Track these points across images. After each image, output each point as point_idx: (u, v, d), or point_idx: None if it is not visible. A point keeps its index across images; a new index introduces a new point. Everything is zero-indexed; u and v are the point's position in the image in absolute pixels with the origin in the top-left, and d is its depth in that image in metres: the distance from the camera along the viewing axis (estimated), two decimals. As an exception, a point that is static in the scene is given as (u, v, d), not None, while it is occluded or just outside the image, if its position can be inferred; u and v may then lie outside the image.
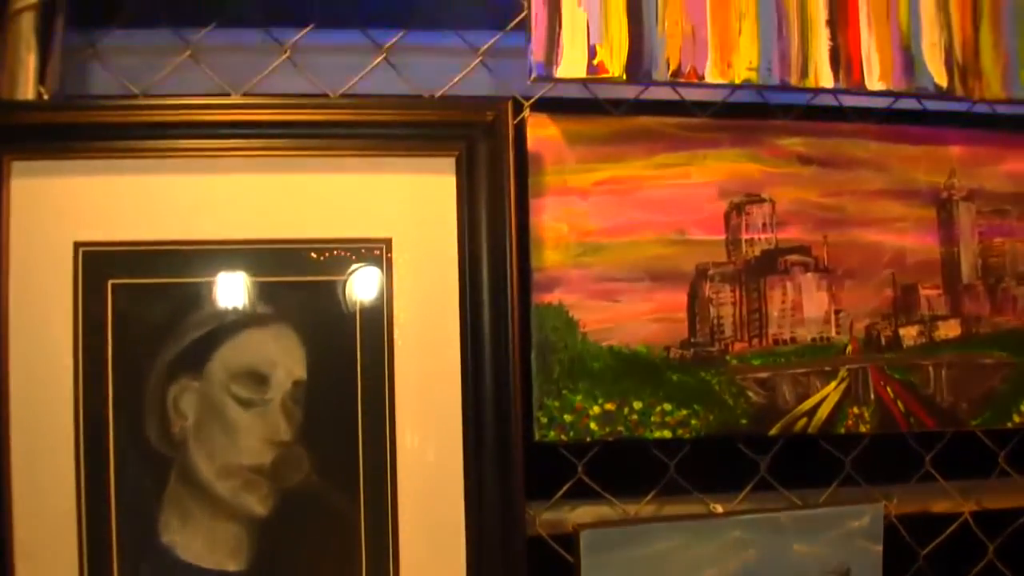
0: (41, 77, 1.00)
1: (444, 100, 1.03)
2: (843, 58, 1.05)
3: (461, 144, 0.98)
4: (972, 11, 1.09)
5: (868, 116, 1.11)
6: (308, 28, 1.03)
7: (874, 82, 1.05)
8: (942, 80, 1.07)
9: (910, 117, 1.11)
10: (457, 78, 1.04)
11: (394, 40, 1.04)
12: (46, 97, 1.00)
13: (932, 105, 1.12)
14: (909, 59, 1.06)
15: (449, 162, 0.99)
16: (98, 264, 0.95)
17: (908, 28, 1.07)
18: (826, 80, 1.04)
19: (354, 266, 0.97)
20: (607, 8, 1.01)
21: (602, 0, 1.01)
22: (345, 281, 0.97)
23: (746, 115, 1.07)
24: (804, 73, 1.04)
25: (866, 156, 1.08)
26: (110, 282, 0.95)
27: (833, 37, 1.05)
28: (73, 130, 0.96)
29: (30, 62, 1.00)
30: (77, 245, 0.95)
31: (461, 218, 0.98)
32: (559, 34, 1.00)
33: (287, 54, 1.02)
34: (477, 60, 1.05)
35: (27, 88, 0.99)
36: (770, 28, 1.03)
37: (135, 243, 0.96)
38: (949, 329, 1.08)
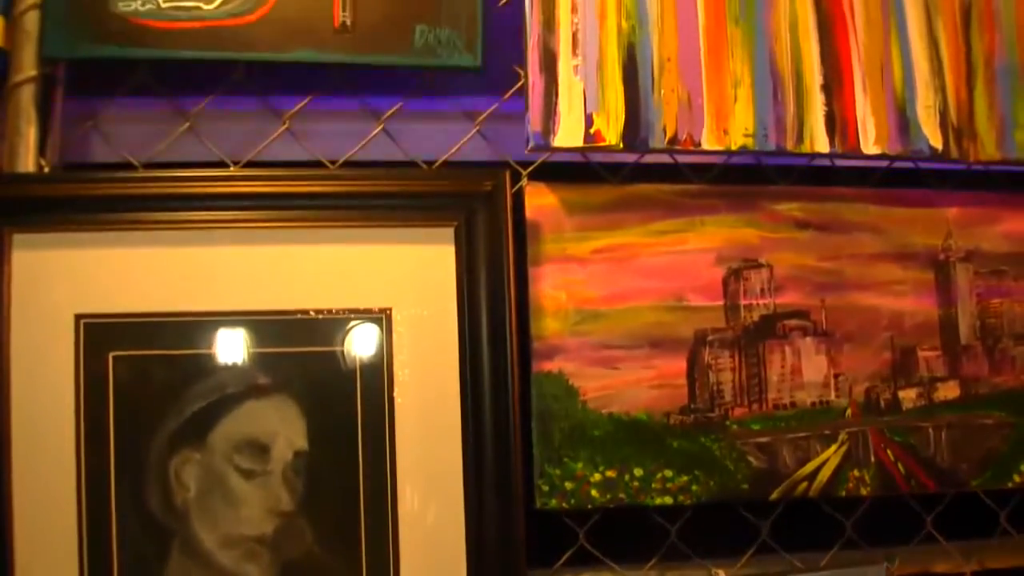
0: (41, 149, 1.02)
1: (442, 171, 1.04)
2: (838, 123, 1.06)
3: (460, 214, 1.00)
4: (966, 73, 1.11)
5: (865, 177, 1.12)
6: (306, 100, 1.05)
7: (869, 146, 1.07)
8: (937, 143, 1.08)
9: (906, 178, 1.13)
10: (455, 148, 1.06)
11: (392, 111, 1.05)
12: (46, 169, 1.01)
13: (928, 164, 1.13)
14: (904, 122, 1.08)
15: (448, 232, 1.00)
16: (99, 336, 0.96)
17: (903, 91, 1.09)
18: (822, 145, 1.06)
19: (354, 336, 0.99)
20: (603, 77, 1.03)
21: (598, 69, 1.03)
22: (345, 351, 0.99)
23: (743, 180, 1.09)
24: (800, 138, 1.05)
25: (863, 220, 1.09)
26: (111, 354, 0.96)
27: (828, 102, 1.06)
28: (73, 203, 0.97)
29: (30, 135, 1.01)
30: (78, 317, 0.96)
31: (460, 288, 0.99)
32: (556, 103, 1.02)
33: (286, 125, 1.04)
34: (474, 130, 1.07)
35: (27, 160, 1.01)
36: (766, 94, 1.05)
37: (136, 315, 0.97)
38: (948, 390, 1.10)
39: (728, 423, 1.05)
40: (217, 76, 1.05)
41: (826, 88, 1.07)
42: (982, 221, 1.13)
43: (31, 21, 1.01)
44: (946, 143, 1.09)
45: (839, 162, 1.12)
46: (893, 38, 1.09)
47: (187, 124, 1.04)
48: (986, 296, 1.12)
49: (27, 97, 1.01)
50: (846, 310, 1.08)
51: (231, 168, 1.02)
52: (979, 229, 1.12)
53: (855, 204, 1.10)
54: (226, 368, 0.97)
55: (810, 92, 1.06)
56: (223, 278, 0.98)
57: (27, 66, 1.01)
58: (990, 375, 1.11)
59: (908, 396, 1.08)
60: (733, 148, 1.04)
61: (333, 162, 1.05)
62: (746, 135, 1.04)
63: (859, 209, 1.10)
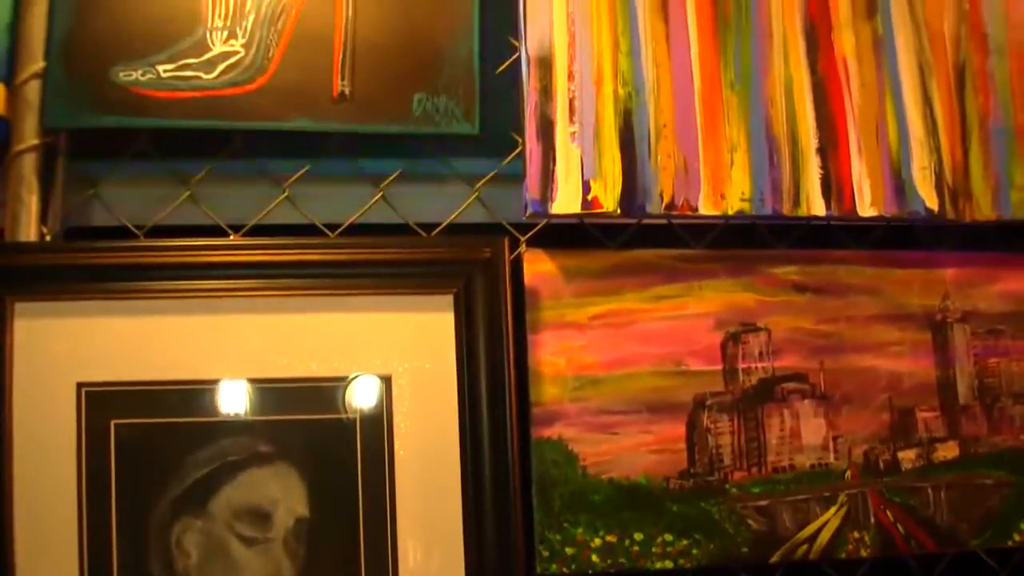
0: (43, 217, 1.04)
1: (441, 238, 1.06)
2: (834, 185, 1.08)
3: (459, 281, 1.02)
4: (961, 134, 1.13)
5: (862, 236, 1.14)
6: (305, 168, 1.07)
7: (866, 208, 1.09)
8: (933, 204, 1.10)
9: (903, 236, 1.15)
10: (453, 216, 1.08)
11: (390, 179, 1.07)
12: (48, 237, 1.03)
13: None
14: (900, 184, 1.10)
15: (447, 299, 1.02)
16: (101, 404, 0.98)
17: (898, 153, 1.11)
18: (818, 208, 1.07)
19: (355, 403, 1.00)
20: (600, 143, 1.05)
21: (595, 135, 1.05)
22: (346, 418, 1.00)
23: (740, 241, 1.11)
24: (796, 202, 1.07)
25: (860, 282, 1.11)
26: (113, 422, 0.98)
27: (824, 165, 1.09)
28: (75, 272, 0.99)
29: (32, 203, 1.03)
30: (80, 385, 0.98)
31: (460, 354, 1.01)
32: (553, 170, 1.04)
33: (286, 193, 1.06)
34: (473, 196, 1.09)
35: (29, 229, 1.03)
36: (762, 158, 1.07)
37: (137, 383, 0.99)
38: (947, 451, 1.11)
39: (728, 487, 1.06)
40: (217, 143, 1.07)
41: (822, 151, 1.09)
42: (979, 281, 1.14)
43: (32, 90, 1.04)
44: (942, 204, 1.10)
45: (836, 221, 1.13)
46: (888, 100, 1.11)
47: (188, 192, 1.06)
48: (984, 356, 1.13)
49: (29, 166, 1.03)
50: (844, 372, 1.09)
51: (231, 237, 1.04)
52: (976, 289, 1.14)
53: (852, 266, 1.11)
54: (228, 435, 0.99)
55: (806, 155, 1.08)
56: (224, 346, 1.00)
57: (28, 135, 1.03)
58: (989, 434, 1.12)
59: (907, 457, 1.10)
60: (730, 213, 1.06)
61: (332, 227, 1.07)
62: (743, 199, 1.06)
63: (856, 271, 1.11)
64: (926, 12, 1.14)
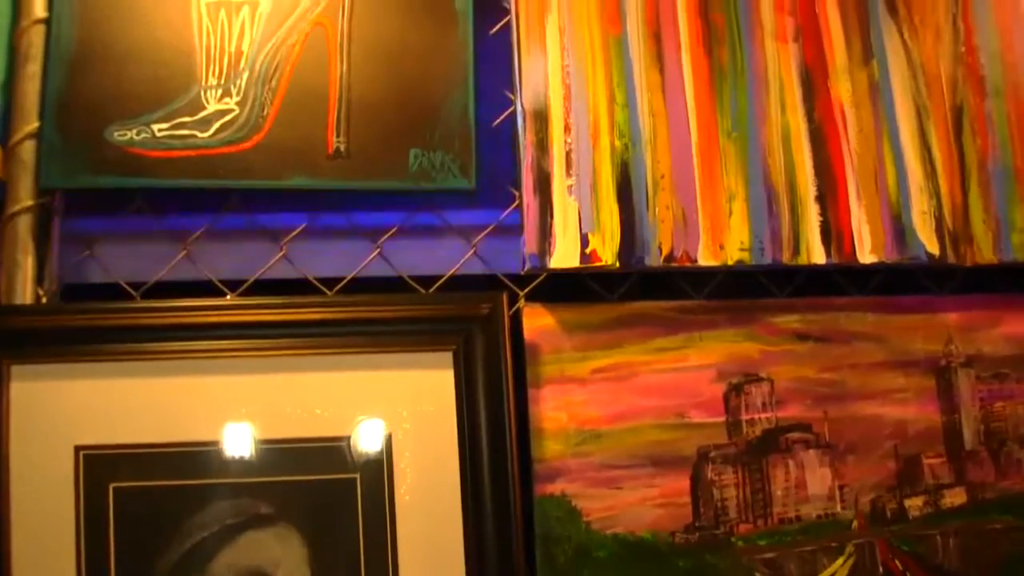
0: (39, 278, 1.04)
1: (439, 295, 1.07)
2: (834, 233, 1.09)
3: (458, 338, 1.02)
4: (960, 177, 1.13)
5: (864, 281, 1.15)
6: (301, 227, 1.07)
7: (866, 255, 1.09)
8: (934, 248, 1.10)
9: (905, 281, 1.15)
10: (451, 271, 1.08)
11: (388, 235, 1.08)
12: (44, 299, 1.03)
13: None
14: (900, 229, 1.10)
15: (446, 356, 1.02)
16: (99, 467, 0.98)
17: (897, 198, 1.11)
18: (818, 256, 1.08)
19: (355, 463, 1.00)
20: (598, 196, 1.05)
21: (593, 188, 1.05)
22: (346, 479, 1.00)
23: (741, 290, 1.11)
24: (796, 251, 1.08)
25: (862, 329, 1.11)
26: (112, 485, 0.98)
27: (823, 212, 1.09)
28: (71, 334, 1.00)
29: (27, 265, 1.04)
30: (78, 448, 0.98)
31: (460, 412, 1.01)
32: (551, 224, 1.04)
33: (283, 251, 1.07)
34: (471, 252, 1.09)
35: (25, 291, 1.03)
36: (760, 207, 1.08)
37: (136, 446, 0.99)
38: (955, 497, 1.11)
39: (734, 540, 1.06)
40: (214, 199, 1.07)
41: (820, 199, 1.09)
42: (982, 325, 1.14)
43: (27, 151, 1.04)
44: (943, 249, 1.11)
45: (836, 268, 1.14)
46: (886, 145, 1.12)
47: (184, 252, 1.06)
48: (989, 400, 1.13)
49: (24, 227, 1.04)
50: (849, 421, 1.09)
51: (228, 297, 1.05)
52: (980, 333, 1.14)
53: (854, 313, 1.11)
54: (227, 497, 0.99)
55: (805, 203, 1.09)
56: (223, 407, 1.00)
57: (24, 196, 1.04)
58: (996, 479, 1.12)
59: (914, 504, 1.10)
60: (730, 263, 1.06)
61: (329, 281, 1.07)
62: (742, 249, 1.06)
63: (858, 318, 1.11)
64: (922, 56, 1.15)
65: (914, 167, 1.12)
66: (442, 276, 1.09)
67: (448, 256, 1.10)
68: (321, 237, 1.10)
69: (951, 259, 1.11)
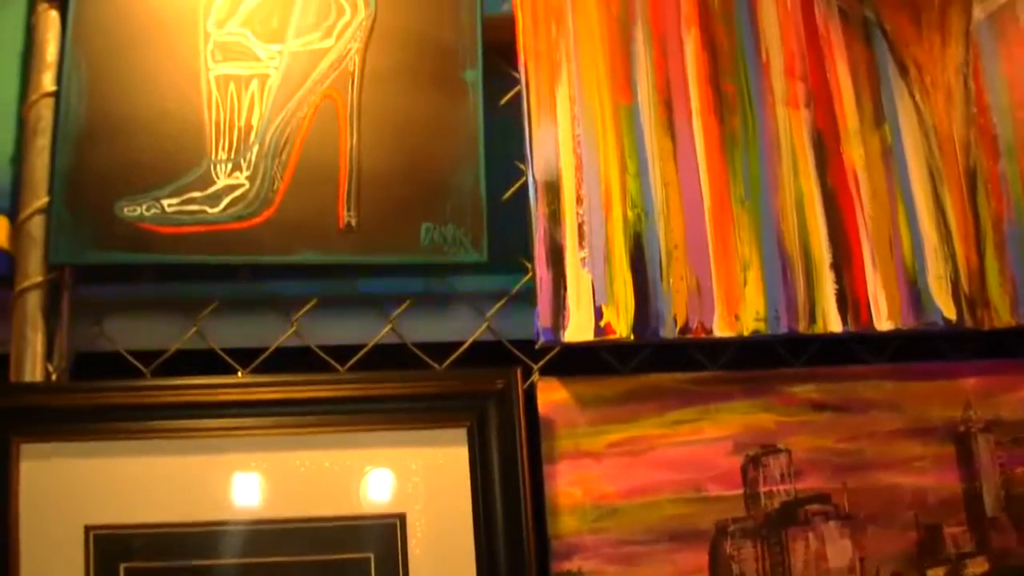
0: (48, 354, 1.04)
1: (452, 371, 1.06)
2: (850, 300, 1.08)
3: (472, 414, 1.02)
4: (975, 239, 1.13)
5: (881, 347, 1.14)
6: (312, 303, 1.07)
7: (883, 322, 1.08)
8: (951, 313, 1.10)
9: (922, 346, 1.14)
10: (463, 347, 1.08)
11: (400, 310, 1.08)
12: (54, 376, 1.03)
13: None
14: (916, 294, 1.10)
15: (460, 433, 1.02)
16: (109, 547, 0.97)
17: (913, 263, 1.11)
18: (834, 325, 1.07)
19: (369, 542, 0.99)
20: (611, 268, 1.05)
21: (606, 260, 1.05)
22: (359, 558, 0.99)
23: (756, 359, 1.10)
24: (812, 319, 1.07)
25: (880, 397, 1.10)
26: (122, 566, 0.97)
27: (839, 280, 1.09)
28: (81, 412, 0.99)
29: (37, 342, 1.04)
30: (88, 528, 0.97)
31: (475, 488, 1.01)
32: (564, 297, 1.04)
33: (293, 328, 1.06)
34: (484, 327, 1.09)
35: (35, 368, 1.03)
36: (775, 276, 1.07)
37: (147, 525, 0.98)
38: (977, 566, 1.09)
39: (754, 614, 1.05)
40: (224, 271, 1.07)
41: (835, 266, 1.09)
42: (1001, 389, 1.13)
43: (36, 226, 1.04)
44: (960, 313, 1.10)
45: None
46: (900, 209, 1.12)
47: (194, 328, 1.06)
48: (1010, 465, 1.12)
49: (33, 304, 1.04)
50: (868, 491, 1.08)
51: (239, 375, 1.05)
52: (999, 397, 1.13)
53: (871, 381, 1.11)
54: (239, 578, 0.98)
55: (820, 271, 1.08)
56: (235, 486, 1.00)
57: (33, 272, 1.04)
58: (1019, 546, 1.11)
59: (936, 575, 1.08)
60: (745, 334, 1.06)
61: (340, 353, 1.07)
62: (757, 319, 1.06)
63: (875, 386, 1.11)
64: (934, 117, 1.15)
65: (929, 231, 1.12)
66: (452, 342, 1.09)
67: (460, 327, 1.10)
68: (331, 307, 1.09)
69: (968, 323, 1.10)
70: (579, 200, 1.06)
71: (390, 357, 1.09)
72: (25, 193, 1.05)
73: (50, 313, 1.04)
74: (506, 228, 1.09)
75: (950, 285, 1.11)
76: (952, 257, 1.12)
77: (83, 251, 1.03)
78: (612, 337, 1.04)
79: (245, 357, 1.07)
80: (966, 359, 1.15)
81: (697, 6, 1.13)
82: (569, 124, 1.08)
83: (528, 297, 1.07)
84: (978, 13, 1.17)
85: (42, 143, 1.06)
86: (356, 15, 1.10)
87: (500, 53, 1.13)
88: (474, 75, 1.09)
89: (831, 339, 1.11)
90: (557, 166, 1.07)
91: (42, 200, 1.04)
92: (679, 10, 1.13)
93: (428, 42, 1.10)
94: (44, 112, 1.07)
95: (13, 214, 1.05)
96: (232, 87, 1.07)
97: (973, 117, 1.16)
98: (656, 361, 1.09)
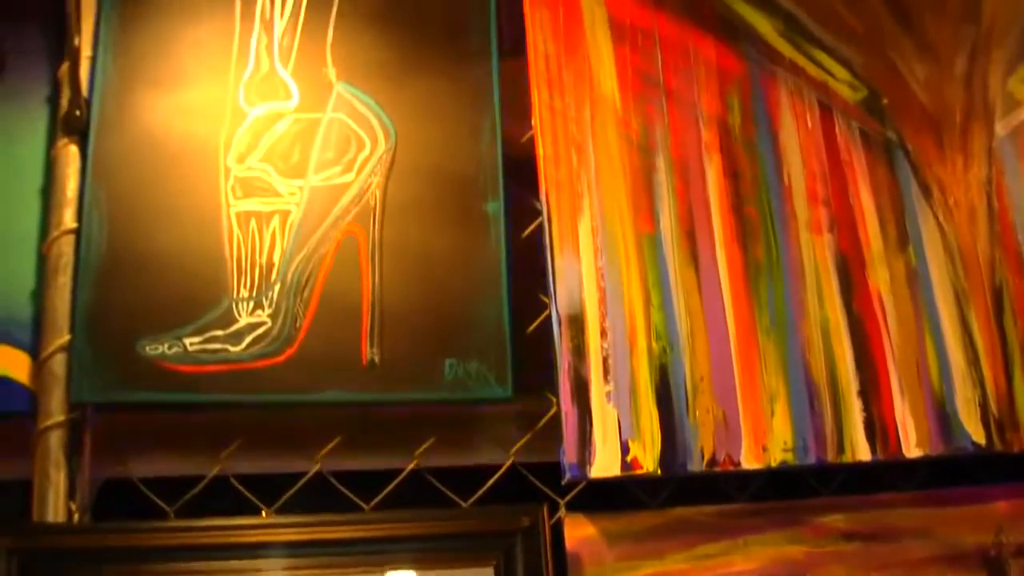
0: (71, 493, 1.04)
1: (478, 509, 1.06)
2: (878, 428, 1.08)
3: (498, 552, 1.02)
4: (1003, 361, 1.13)
5: (911, 472, 1.14)
6: (335, 441, 1.07)
7: (912, 449, 1.08)
8: (980, 437, 1.10)
9: (952, 470, 1.14)
10: (487, 485, 1.08)
11: (423, 447, 1.08)
12: (76, 515, 1.03)
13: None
14: (945, 419, 1.10)
15: (487, 572, 1.02)
16: None
17: (940, 387, 1.11)
18: (863, 453, 1.07)
19: None
20: (637, 402, 1.05)
21: (631, 394, 1.05)
22: None
23: (785, 488, 1.10)
24: (840, 448, 1.07)
25: (909, 524, 1.10)
26: None
27: (866, 407, 1.09)
28: (104, 553, 0.99)
29: (59, 482, 1.04)
30: (112, 675, 0.98)
31: (503, 628, 1.00)
32: (590, 432, 1.04)
33: (318, 466, 1.07)
34: (509, 462, 1.09)
35: (57, 508, 1.03)
36: (802, 405, 1.08)
37: (173, 670, 0.98)
38: None
39: None
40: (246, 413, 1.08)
41: (863, 393, 1.09)
42: (1032, 512, 1.13)
43: (58, 364, 1.05)
44: (989, 437, 1.10)
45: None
46: (926, 333, 1.12)
47: (218, 467, 1.06)
48: (1043, 590, 1.12)
49: (56, 443, 1.04)
50: (900, 622, 1.08)
51: (263, 515, 1.05)
52: (1030, 520, 1.13)
53: (900, 509, 1.11)
54: None
55: (847, 399, 1.08)
56: (261, 629, 1.00)
57: (55, 410, 1.04)
58: (1052, 672, 1.11)
59: None
60: (773, 465, 1.06)
61: (362, 484, 1.07)
62: (785, 450, 1.06)
63: (905, 514, 1.10)
64: (959, 238, 1.15)
65: (956, 354, 1.12)
66: (474, 469, 1.09)
67: (485, 458, 1.10)
68: (354, 443, 1.09)
69: (998, 447, 1.10)
70: (603, 333, 1.06)
71: (411, 485, 1.09)
72: (47, 330, 1.05)
73: (72, 451, 1.05)
74: (531, 362, 1.09)
75: (979, 409, 1.11)
76: (980, 380, 1.12)
77: (106, 390, 1.04)
78: (639, 472, 1.04)
79: (266, 483, 1.07)
80: (996, 481, 1.14)
81: (718, 132, 1.14)
82: (592, 255, 1.09)
83: (551, 424, 1.07)
84: (1000, 130, 1.18)
85: (63, 280, 1.07)
86: (376, 148, 1.11)
87: (520, 179, 1.13)
88: (496, 207, 1.10)
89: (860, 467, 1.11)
90: (580, 299, 1.08)
91: (64, 338, 1.05)
92: (700, 136, 1.14)
93: (449, 173, 1.11)
94: (65, 248, 1.07)
95: (34, 349, 1.05)
96: (253, 223, 1.08)
97: (998, 235, 1.16)
98: (684, 492, 1.09)
